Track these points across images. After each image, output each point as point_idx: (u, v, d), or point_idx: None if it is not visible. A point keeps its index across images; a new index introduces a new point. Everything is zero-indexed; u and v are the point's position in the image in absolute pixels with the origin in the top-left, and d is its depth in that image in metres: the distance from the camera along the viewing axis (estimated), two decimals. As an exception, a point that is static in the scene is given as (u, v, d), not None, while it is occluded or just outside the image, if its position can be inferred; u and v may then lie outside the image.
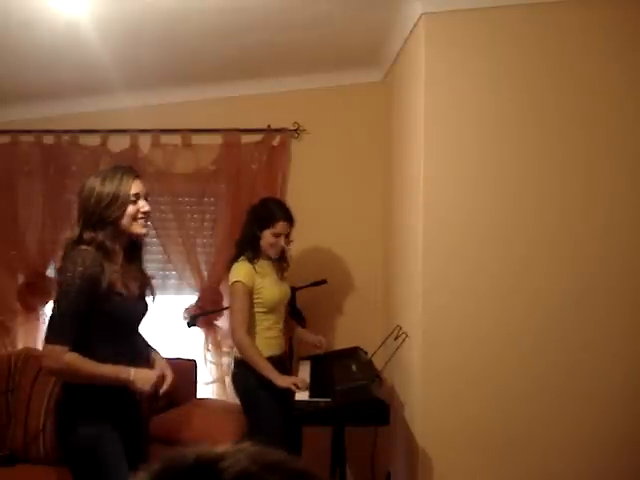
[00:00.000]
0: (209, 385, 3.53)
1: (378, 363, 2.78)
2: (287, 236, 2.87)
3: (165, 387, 2.15)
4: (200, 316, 3.42)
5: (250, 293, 2.79)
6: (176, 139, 3.60)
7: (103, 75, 3.20)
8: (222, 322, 3.54)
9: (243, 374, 2.84)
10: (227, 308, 3.48)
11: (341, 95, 3.54)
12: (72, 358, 1.96)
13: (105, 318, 2.03)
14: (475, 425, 2.44)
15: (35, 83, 3.39)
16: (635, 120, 2.36)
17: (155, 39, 2.84)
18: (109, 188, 2.02)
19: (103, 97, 3.55)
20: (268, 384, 2.69)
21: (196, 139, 3.59)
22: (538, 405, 2.41)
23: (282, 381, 2.65)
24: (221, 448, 0.56)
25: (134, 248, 2.17)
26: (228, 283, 2.88)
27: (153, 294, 2.25)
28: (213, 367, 3.54)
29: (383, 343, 2.81)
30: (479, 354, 2.43)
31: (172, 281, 3.64)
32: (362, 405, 2.32)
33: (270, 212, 2.84)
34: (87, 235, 2.03)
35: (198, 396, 3.39)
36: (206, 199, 3.62)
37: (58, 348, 1.95)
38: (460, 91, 2.43)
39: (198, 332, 3.53)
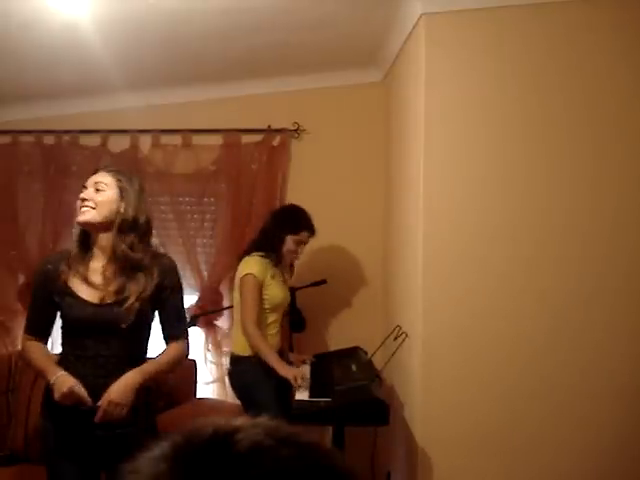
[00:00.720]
0: (209, 385, 3.54)
1: (378, 363, 2.78)
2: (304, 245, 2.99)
3: (99, 414, 1.94)
4: (200, 316, 3.42)
5: (260, 287, 2.83)
6: (176, 139, 3.60)
7: (103, 75, 3.20)
8: (222, 322, 3.54)
9: (240, 372, 2.89)
10: (227, 308, 3.49)
11: (341, 95, 3.54)
12: (25, 345, 2.11)
13: (62, 317, 2.08)
14: (474, 425, 2.44)
15: (35, 84, 3.39)
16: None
17: (157, 40, 2.84)
18: None
19: (103, 97, 3.55)
20: (265, 376, 2.74)
21: (196, 139, 3.59)
22: (540, 404, 2.41)
23: (285, 371, 2.69)
24: (238, 421, 0.58)
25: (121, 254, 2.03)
26: (237, 275, 2.89)
27: (130, 305, 2.00)
28: (213, 367, 3.54)
29: (383, 343, 2.82)
30: (478, 354, 2.43)
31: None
32: (362, 405, 2.32)
33: (298, 219, 2.94)
34: None
35: (198, 396, 3.39)
36: (206, 199, 3.62)
37: (24, 336, 2.14)
38: (460, 91, 2.43)
39: (198, 332, 3.53)
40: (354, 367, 2.70)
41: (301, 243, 2.96)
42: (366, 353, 2.96)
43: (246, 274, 2.83)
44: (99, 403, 1.96)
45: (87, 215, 2.01)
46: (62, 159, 3.64)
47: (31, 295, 2.13)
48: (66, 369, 1.99)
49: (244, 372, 2.87)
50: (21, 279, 3.72)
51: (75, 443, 2.03)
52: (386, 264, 3.45)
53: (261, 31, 2.79)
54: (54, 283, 2.02)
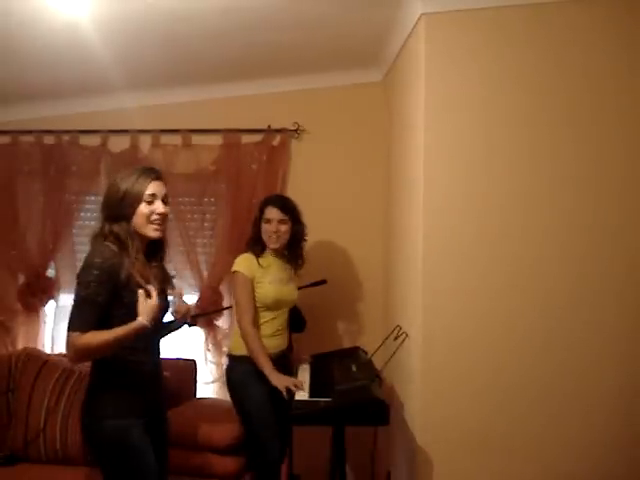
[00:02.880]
0: (209, 385, 3.54)
1: (378, 363, 2.78)
2: (283, 223, 2.86)
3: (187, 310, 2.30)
4: (200, 316, 3.42)
5: (251, 283, 2.82)
6: (176, 139, 3.60)
7: (103, 75, 3.20)
8: (222, 322, 3.55)
9: (230, 368, 2.89)
10: (227, 308, 3.49)
11: (341, 95, 3.54)
12: (85, 338, 1.96)
13: (125, 310, 2.02)
14: (475, 425, 2.44)
15: (35, 83, 3.39)
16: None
17: (157, 40, 2.84)
18: (124, 185, 2.07)
19: (103, 97, 3.56)
20: (254, 374, 2.71)
21: (196, 139, 3.60)
22: (538, 404, 2.41)
23: (277, 381, 2.64)
24: None
25: (154, 247, 2.20)
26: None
27: (172, 293, 2.28)
28: (213, 367, 3.54)
29: (383, 343, 2.81)
30: (479, 354, 2.43)
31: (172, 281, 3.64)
32: (362, 405, 2.31)
33: (261, 202, 2.96)
34: (106, 228, 2.08)
35: (198, 396, 3.39)
36: (206, 199, 3.62)
37: (74, 335, 1.96)
38: (460, 91, 2.44)
39: (198, 332, 3.53)
40: (354, 367, 2.69)
41: (271, 221, 2.86)
42: (366, 353, 2.96)
43: (233, 272, 2.86)
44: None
45: (161, 232, 2.13)
46: (62, 159, 3.65)
47: (89, 292, 1.98)
48: (132, 360, 2.09)
49: (234, 371, 2.86)
50: (21, 279, 3.72)
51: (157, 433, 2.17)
52: (386, 264, 3.45)
53: (261, 31, 2.78)
54: (119, 277, 2.01)
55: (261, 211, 2.91)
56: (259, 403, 2.75)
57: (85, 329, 1.96)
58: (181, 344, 3.56)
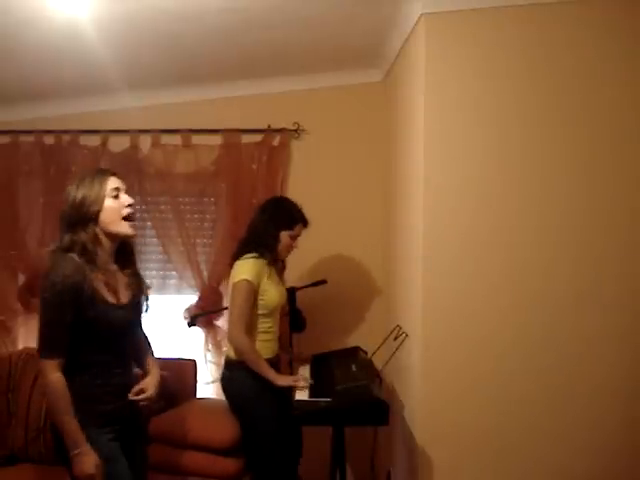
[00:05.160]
0: (209, 385, 3.54)
1: (378, 363, 2.78)
2: None
3: (144, 396, 2.08)
4: (200, 316, 3.43)
5: (255, 293, 2.68)
6: (176, 139, 3.60)
7: (103, 75, 3.20)
8: (222, 322, 3.55)
9: (235, 378, 2.75)
10: (227, 308, 3.48)
11: (341, 95, 3.55)
12: (56, 382, 1.89)
13: (89, 326, 1.94)
14: (475, 424, 2.44)
15: (35, 83, 3.39)
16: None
17: (156, 39, 2.84)
18: (81, 190, 1.97)
19: (103, 97, 3.56)
20: (261, 387, 2.65)
21: (196, 139, 3.60)
22: (538, 405, 2.42)
23: (282, 381, 2.62)
24: None
25: (125, 252, 2.09)
26: (231, 279, 2.74)
27: (147, 299, 2.15)
28: (213, 367, 3.54)
29: (383, 343, 2.82)
30: (479, 353, 2.44)
31: (172, 281, 3.65)
32: (362, 405, 2.32)
33: (291, 214, 2.80)
34: (67, 239, 1.97)
35: (198, 396, 3.39)
36: (206, 199, 3.63)
37: (49, 363, 1.90)
38: (460, 90, 2.44)
39: (198, 332, 3.53)
40: (354, 367, 2.69)
41: (296, 237, 2.81)
42: (366, 353, 2.96)
43: (240, 280, 2.66)
44: (145, 396, 2.07)
45: (135, 229, 2.04)
46: (62, 159, 3.65)
47: (56, 312, 1.90)
48: (97, 377, 1.98)
49: (238, 379, 2.72)
50: (21, 279, 3.72)
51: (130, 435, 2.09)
52: (386, 264, 3.45)
53: (261, 31, 2.78)
54: (83, 293, 1.91)
55: (289, 223, 2.76)
56: (267, 408, 2.68)
57: (57, 355, 1.90)
58: (181, 344, 3.57)
